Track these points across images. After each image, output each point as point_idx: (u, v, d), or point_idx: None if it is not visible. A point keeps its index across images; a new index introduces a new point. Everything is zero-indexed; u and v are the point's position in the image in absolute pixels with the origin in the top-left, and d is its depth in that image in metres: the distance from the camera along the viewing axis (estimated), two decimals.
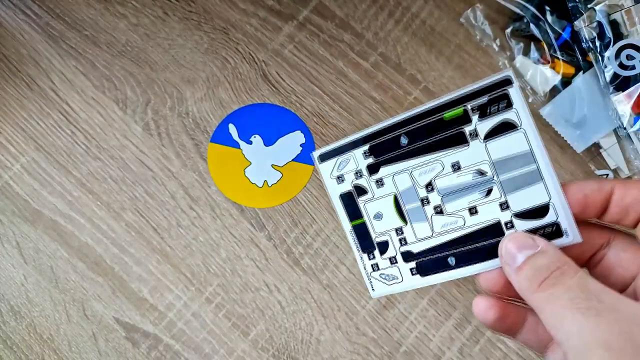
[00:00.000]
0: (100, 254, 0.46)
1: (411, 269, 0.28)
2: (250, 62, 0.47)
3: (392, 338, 0.44)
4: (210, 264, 0.45)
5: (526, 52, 0.46)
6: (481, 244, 0.26)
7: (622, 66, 0.42)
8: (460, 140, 0.26)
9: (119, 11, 0.48)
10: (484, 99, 0.25)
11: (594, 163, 0.45)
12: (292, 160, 0.46)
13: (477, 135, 0.26)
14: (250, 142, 0.46)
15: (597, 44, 0.43)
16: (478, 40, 0.47)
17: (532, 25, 0.45)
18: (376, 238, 0.29)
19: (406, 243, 0.28)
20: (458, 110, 0.26)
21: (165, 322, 0.45)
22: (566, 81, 0.45)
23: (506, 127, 0.25)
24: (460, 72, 0.47)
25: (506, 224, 0.26)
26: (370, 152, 0.28)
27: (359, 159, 0.29)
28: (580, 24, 0.44)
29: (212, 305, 0.45)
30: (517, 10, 0.46)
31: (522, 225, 0.25)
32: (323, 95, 0.47)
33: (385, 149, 0.28)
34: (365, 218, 0.29)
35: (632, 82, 0.42)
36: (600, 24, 0.43)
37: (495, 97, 0.25)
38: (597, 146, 0.45)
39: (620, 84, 0.43)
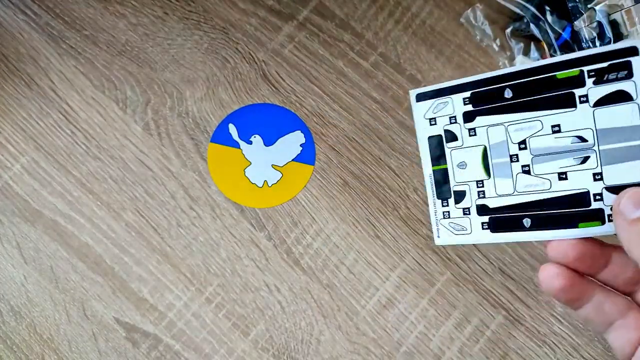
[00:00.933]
0: (100, 254, 0.46)
1: (483, 223, 0.27)
2: (250, 62, 0.47)
3: (392, 338, 0.44)
4: (210, 264, 0.45)
5: (526, 52, 0.46)
6: (563, 212, 0.25)
7: None
8: (568, 102, 0.25)
9: (118, 11, 0.48)
10: (603, 65, 0.24)
11: None
12: (292, 160, 0.46)
13: (587, 99, 0.25)
14: (250, 142, 0.46)
15: (597, 44, 0.43)
16: (478, 40, 0.47)
17: (532, 25, 0.45)
18: (454, 186, 0.28)
19: (484, 196, 0.27)
20: (574, 71, 0.25)
21: (165, 322, 0.45)
22: None
23: (620, 97, 0.24)
24: (460, 72, 0.47)
25: (595, 195, 0.24)
26: (471, 100, 0.27)
27: (457, 104, 0.28)
28: (580, 24, 0.44)
29: (212, 305, 0.45)
30: (517, 10, 0.46)
31: (612, 200, 0.24)
32: (323, 95, 0.47)
33: (487, 98, 0.27)
34: (449, 164, 0.28)
35: None
36: (600, 24, 0.43)
37: (616, 65, 0.24)
38: None
39: None
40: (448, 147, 0.28)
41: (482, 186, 0.27)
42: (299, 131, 0.46)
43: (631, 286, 0.26)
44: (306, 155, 0.46)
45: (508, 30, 0.46)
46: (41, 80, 0.48)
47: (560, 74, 0.25)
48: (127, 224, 0.46)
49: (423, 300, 0.44)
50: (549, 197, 0.26)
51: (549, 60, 0.25)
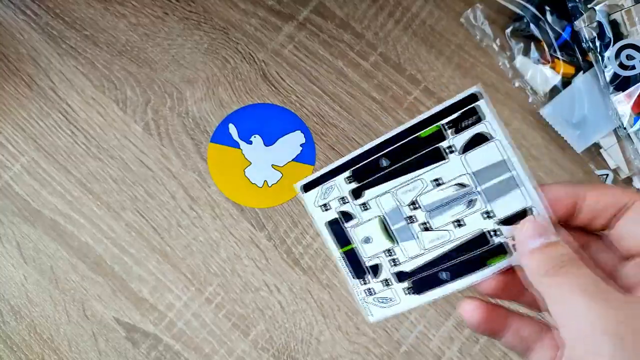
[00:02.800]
0: (100, 254, 0.46)
1: (404, 289, 0.28)
2: (250, 62, 0.47)
3: (392, 338, 0.44)
4: (210, 264, 0.45)
5: (526, 52, 0.46)
6: (471, 255, 0.27)
7: (622, 66, 0.42)
8: (438, 156, 0.27)
9: (118, 11, 0.48)
10: (456, 115, 0.26)
11: (594, 163, 0.45)
12: (292, 160, 0.46)
13: (454, 149, 0.26)
14: (250, 142, 0.46)
15: (597, 44, 0.43)
16: (478, 40, 0.47)
17: (532, 25, 0.45)
18: (367, 262, 0.29)
19: (398, 263, 0.28)
20: (433, 127, 0.26)
21: (165, 322, 0.45)
22: (566, 81, 0.45)
23: (481, 139, 0.26)
24: (460, 72, 0.47)
25: (491, 232, 0.26)
26: (353, 177, 0.28)
27: (342, 185, 0.29)
28: (580, 24, 0.44)
29: (212, 305, 0.45)
30: (517, 10, 0.46)
31: (507, 231, 0.26)
32: (323, 95, 0.47)
33: (367, 172, 0.28)
34: (355, 243, 0.29)
35: (632, 82, 0.42)
36: (600, 24, 0.43)
37: (466, 112, 0.26)
38: (597, 146, 0.45)
39: (620, 84, 0.43)
40: (347, 226, 0.29)
41: (393, 254, 0.28)
42: (299, 131, 0.46)
43: (528, 345, 0.27)
44: (306, 155, 0.46)
45: (508, 30, 0.46)
46: (41, 81, 0.48)
47: (423, 133, 0.27)
48: (127, 224, 0.46)
49: None
50: (454, 245, 0.27)
51: (409, 123, 0.27)
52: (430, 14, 0.48)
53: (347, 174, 0.29)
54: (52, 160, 0.47)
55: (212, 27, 0.48)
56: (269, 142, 0.46)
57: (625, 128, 0.43)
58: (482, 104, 0.26)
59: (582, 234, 0.26)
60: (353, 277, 0.29)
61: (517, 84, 0.46)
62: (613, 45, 0.43)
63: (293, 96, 0.47)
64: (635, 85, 0.42)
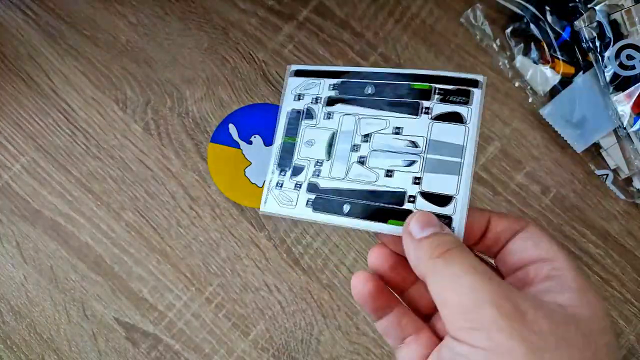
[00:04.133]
0: (100, 254, 0.46)
1: (308, 200, 0.29)
2: (250, 62, 0.47)
3: None
4: (210, 264, 0.45)
5: (526, 52, 0.46)
6: (378, 206, 0.27)
7: (622, 66, 0.42)
8: (414, 110, 0.28)
9: (118, 10, 0.48)
10: (451, 87, 0.28)
11: (594, 163, 0.45)
12: None
13: (429, 112, 0.28)
14: (250, 142, 0.46)
15: (597, 44, 0.43)
16: (478, 40, 0.47)
17: (532, 25, 0.45)
18: (296, 160, 0.30)
19: (318, 176, 0.29)
20: (426, 85, 0.28)
21: (165, 322, 0.45)
22: (566, 81, 0.45)
23: (455, 118, 0.27)
24: (460, 71, 0.47)
25: (410, 197, 0.27)
26: (337, 87, 0.30)
27: (324, 87, 0.30)
28: (580, 24, 0.44)
29: (212, 305, 0.45)
30: (517, 10, 0.46)
31: (422, 205, 0.27)
32: None
33: (351, 89, 0.30)
34: (299, 139, 0.30)
35: (632, 82, 0.42)
36: (600, 24, 0.43)
37: (460, 91, 0.27)
38: (597, 146, 0.45)
39: (620, 84, 0.43)
40: (303, 123, 0.31)
41: (320, 166, 0.29)
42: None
43: (431, 309, 0.28)
44: None
45: (508, 30, 0.46)
46: (41, 80, 0.48)
47: (415, 85, 0.28)
48: (127, 224, 0.46)
49: None
50: (373, 189, 0.28)
51: (410, 70, 0.29)
52: (430, 14, 0.48)
53: (334, 81, 0.30)
54: (51, 160, 0.47)
55: (212, 27, 0.48)
56: (269, 142, 0.46)
57: (625, 128, 0.43)
58: (477, 92, 0.27)
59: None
60: (276, 165, 0.31)
61: (517, 84, 0.46)
62: (613, 45, 0.43)
63: None
64: (635, 85, 0.42)
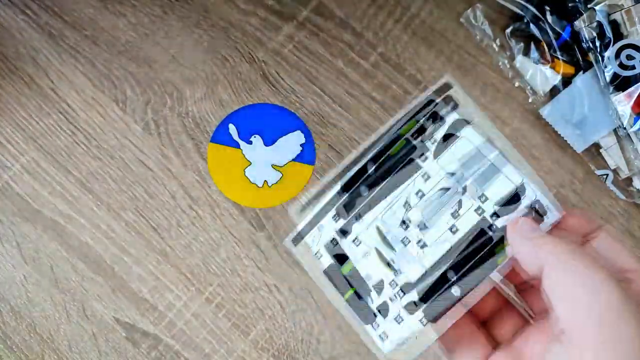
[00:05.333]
0: (100, 254, 0.46)
1: (421, 320, 0.25)
2: (250, 62, 0.47)
3: None
4: (210, 264, 0.45)
5: (526, 52, 0.46)
6: (474, 260, 0.24)
7: (622, 66, 0.42)
8: (414, 168, 0.26)
9: (118, 10, 0.48)
10: (419, 124, 0.26)
11: (594, 163, 0.45)
12: (292, 160, 0.46)
13: (426, 156, 0.26)
14: (250, 142, 0.46)
15: (597, 44, 0.43)
16: (478, 40, 0.47)
17: (532, 25, 0.45)
18: (373, 303, 0.26)
19: (404, 293, 0.25)
20: (401, 142, 0.26)
21: (165, 322, 0.45)
22: (566, 81, 0.45)
23: (448, 138, 0.25)
24: (460, 71, 0.47)
25: (489, 226, 0.24)
26: (338, 214, 0.27)
27: (328, 226, 0.27)
28: (580, 24, 0.44)
29: (212, 305, 0.45)
30: (517, 10, 0.46)
31: (504, 215, 0.24)
32: (323, 95, 0.47)
33: (350, 204, 0.27)
34: (355, 285, 0.26)
35: (632, 82, 0.42)
36: (600, 24, 0.43)
37: (430, 115, 0.26)
38: (597, 146, 0.45)
39: (620, 84, 0.43)
40: (344, 272, 0.26)
41: (396, 285, 0.25)
42: (299, 131, 0.46)
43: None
44: (306, 155, 0.46)
45: (508, 30, 0.46)
46: (41, 80, 0.48)
47: (393, 151, 0.26)
48: (127, 224, 0.46)
49: None
50: (456, 255, 0.25)
51: (381, 144, 0.26)
52: (430, 14, 0.48)
53: (332, 212, 0.27)
54: (52, 160, 0.47)
55: (212, 27, 0.48)
56: (269, 142, 0.46)
57: (625, 128, 0.43)
58: (456, 90, 0.26)
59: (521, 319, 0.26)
60: (364, 324, 0.26)
61: (517, 84, 0.46)
62: (613, 45, 0.43)
63: (293, 96, 0.47)
64: (635, 85, 0.42)
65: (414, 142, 0.26)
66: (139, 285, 0.45)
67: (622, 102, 0.42)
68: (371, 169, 0.26)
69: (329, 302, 0.44)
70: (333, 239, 0.27)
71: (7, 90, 0.48)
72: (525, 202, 0.24)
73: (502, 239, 0.24)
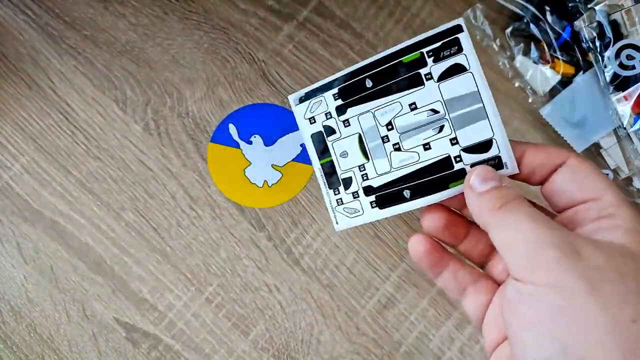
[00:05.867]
0: (100, 254, 0.46)
1: (371, 202, 0.30)
2: (250, 62, 0.47)
3: (392, 338, 0.44)
4: (210, 264, 0.45)
5: (526, 52, 0.46)
6: (433, 177, 0.29)
7: (622, 66, 0.42)
8: (417, 81, 0.29)
9: (118, 10, 0.48)
10: (438, 44, 0.28)
11: (594, 163, 0.45)
12: (292, 160, 0.46)
13: (431, 76, 0.28)
14: (250, 142, 0.46)
15: (597, 44, 0.43)
16: (478, 40, 0.47)
17: (532, 25, 0.45)
18: (341, 174, 0.31)
19: (367, 178, 0.30)
20: (415, 54, 0.28)
21: (165, 322, 0.45)
22: (566, 81, 0.45)
23: (457, 70, 0.28)
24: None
25: (455, 157, 0.28)
26: (339, 95, 0.31)
27: (329, 101, 0.31)
28: (580, 24, 0.44)
29: (212, 305, 0.45)
30: (517, 10, 0.46)
31: (469, 158, 0.28)
32: None
33: (352, 91, 0.30)
34: (333, 156, 0.31)
35: (632, 82, 0.42)
36: (600, 24, 0.43)
37: (448, 42, 0.28)
38: (597, 146, 0.45)
39: (620, 84, 0.43)
40: (329, 140, 0.31)
41: (364, 169, 0.30)
42: (299, 131, 0.46)
43: (484, 258, 0.30)
44: (306, 155, 0.46)
45: (508, 30, 0.46)
46: (41, 80, 0.48)
47: (406, 59, 0.29)
48: (127, 224, 0.46)
49: (423, 300, 0.44)
50: (420, 167, 0.29)
51: (395, 48, 0.29)
52: (430, 14, 0.48)
53: (334, 90, 0.31)
54: (52, 160, 0.47)
55: (212, 27, 0.48)
56: (269, 142, 0.46)
57: (625, 128, 0.43)
58: (463, 37, 0.27)
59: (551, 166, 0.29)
60: (327, 187, 0.32)
61: (517, 84, 0.46)
62: (613, 45, 0.43)
63: None
64: (635, 85, 0.42)
65: (427, 59, 0.28)
66: (139, 285, 0.45)
67: (622, 102, 0.42)
68: (369, 85, 0.30)
69: (329, 302, 0.44)
70: (328, 112, 0.31)
71: (7, 90, 0.48)
72: (490, 154, 0.28)
73: (462, 172, 0.28)
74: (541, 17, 0.45)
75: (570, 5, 0.44)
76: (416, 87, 0.29)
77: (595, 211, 0.25)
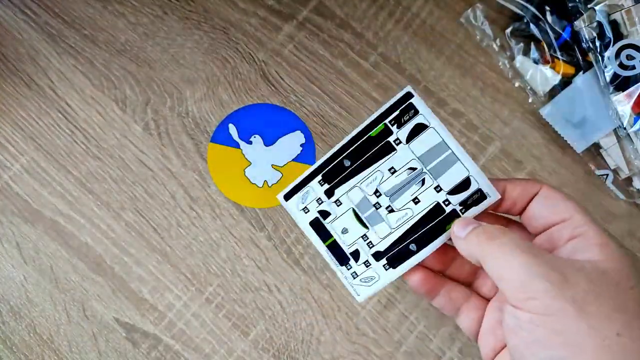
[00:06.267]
0: (100, 254, 0.46)
1: (384, 266, 0.33)
2: (250, 62, 0.47)
3: (392, 338, 0.44)
4: (210, 264, 0.45)
5: (526, 52, 0.46)
6: (431, 225, 0.32)
7: (622, 66, 0.42)
8: (389, 148, 0.32)
9: (117, 10, 0.48)
10: (396, 112, 0.32)
11: (594, 163, 0.45)
12: (292, 160, 0.46)
13: (400, 141, 0.32)
14: (250, 142, 0.46)
15: (597, 44, 0.43)
16: (478, 40, 0.47)
17: (532, 25, 0.45)
18: (348, 249, 0.34)
19: (373, 245, 0.33)
20: (380, 126, 0.32)
21: (165, 322, 0.45)
22: (566, 81, 0.45)
23: (420, 129, 0.32)
24: (460, 71, 0.47)
25: (444, 202, 0.32)
26: (324, 180, 0.33)
27: (316, 188, 0.34)
28: (580, 24, 0.44)
29: (212, 305, 0.45)
30: (517, 10, 0.46)
31: (455, 199, 0.31)
32: (323, 95, 0.47)
33: (334, 173, 0.33)
34: (335, 235, 0.34)
35: (632, 82, 0.42)
36: (600, 24, 0.43)
37: (404, 109, 0.32)
38: (597, 146, 0.45)
39: (620, 84, 0.43)
40: (326, 223, 0.34)
41: (367, 238, 0.33)
42: (299, 131, 0.46)
43: (470, 277, 0.34)
44: (306, 155, 0.46)
45: (508, 30, 0.46)
46: (40, 80, 0.48)
47: (373, 133, 0.32)
48: (127, 224, 0.46)
49: (423, 300, 0.44)
50: (417, 220, 0.32)
51: (360, 127, 0.33)
52: (430, 14, 0.48)
53: (319, 178, 0.34)
54: (51, 160, 0.47)
55: (212, 27, 0.48)
56: (269, 142, 0.46)
57: (625, 128, 0.43)
58: (415, 101, 0.32)
59: (504, 220, 0.33)
60: (339, 265, 0.34)
61: (517, 84, 0.46)
62: (613, 45, 0.43)
63: (293, 96, 0.47)
64: (635, 85, 0.42)
65: (391, 128, 0.32)
66: (139, 285, 0.45)
67: (622, 102, 0.43)
68: (347, 164, 0.33)
69: (329, 302, 0.44)
70: (319, 198, 0.34)
71: (7, 90, 0.48)
72: (471, 189, 0.31)
73: (454, 213, 0.32)
74: (541, 17, 0.45)
75: (570, 5, 0.44)
76: (390, 153, 0.32)
77: (568, 231, 0.28)
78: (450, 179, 0.31)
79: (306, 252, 0.45)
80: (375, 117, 0.32)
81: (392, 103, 0.32)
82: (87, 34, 0.48)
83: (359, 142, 0.33)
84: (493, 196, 0.31)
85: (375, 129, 0.32)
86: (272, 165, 0.46)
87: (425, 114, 0.32)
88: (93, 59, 0.48)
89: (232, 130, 0.46)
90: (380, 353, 0.44)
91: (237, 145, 0.46)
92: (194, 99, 0.47)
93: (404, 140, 0.32)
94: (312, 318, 0.44)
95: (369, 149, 0.33)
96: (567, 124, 0.44)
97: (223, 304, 0.45)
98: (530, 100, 0.46)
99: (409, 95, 0.32)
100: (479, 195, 0.31)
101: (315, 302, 0.45)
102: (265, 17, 0.48)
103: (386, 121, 0.32)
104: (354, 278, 0.34)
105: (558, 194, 0.30)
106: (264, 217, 0.46)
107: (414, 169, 0.32)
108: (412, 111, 0.32)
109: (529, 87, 0.46)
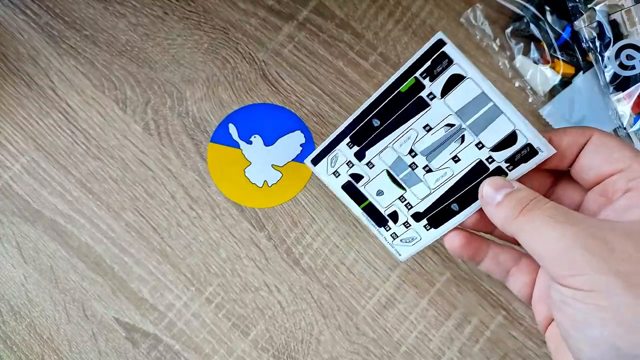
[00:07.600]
0: (100, 254, 0.46)
1: (425, 226, 0.31)
2: (250, 62, 0.47)
3: (392, 338, 0.44)
4: (210, 264, 0.45)
5: (526, 52, 0.46)
6: (474, 184, 0.29)
7: (622, 66, 0.42)
8: (422, 104, 0.29)
9: (118, 11, 0.48)
10: (427, 64, 0.28)
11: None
12: (292, 160, 0.46)
13: (434, 95, 0.29)
14: (250, 142, 0.46)
15: (597, 44, 0.43)
16: (478, 40, 0.47)
17: (532, 25, 0.45)
18: (385, 211, 0.32)
19: (412, 206, 0.31)
20: (410, 81, 0.29)
21: (165, 322, 0.45)
22: (566, 81, 0.45)
23: (456, 80, 0.28)
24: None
25: (487, 159, 0.29)
26: (353, 142, 0.32)
27: (345, 151, 0.32)
28: (580, 24, 0.44)
29: (212, 305, 0.45)
30: (517, 10, 0.46)
31: (500, 156, 0.28)
32: (323, 95, 0.47)
33: (363, 134, 0.31)
34: (370, 198, 0.32)
35: (632, 82, 0.42)
36: (600, 24, 0.43)
37: (436, 59, 0.28)
38: None
39: (620, 84, 0.43)
40: (360, 185, 0.32)
41: (405, 199, 0.31)
42: (299, 131, 0.46)
43: None
44: (306, 156, 0.46)
45: (508, 30, 0.46)
46: (41, 80, 0.48)
47: (403, 88, 0.29)
48: (127, 224, 0.46)
49: (423, 300, 0.44)
50: (458, 179, 0.30)
51: (389, 82, 0.29)
52: (430, 14, 0.48)
53: (347, 140, 0.32)
54: (52, 160, 0.47)
55: (212, 27, 0.48)
56: (269, 142, 0.46)
57: (625, 128, 0.43)
58: (448, 49, 0.28)
59: (550, 174, 0.30)
60: (377, 227, 0.33)
61: (517, 84, 0.46)
62: (613, 45, 0.43)
63: (293, 96, 0.47)
64: (635, 85, 0.42)
65: (423, 81, 0.29)
66: (139, 285, 0.45)
67: (622, 102, 0.42)
68: (377, 124, 0.31)
69: (329, 302, 0.44)
70: (349, 161, 0.32)
71: (7, 90, 0.48)
72: (519, 144, 0.28)
73: (499, 170, 0.29)
74: (541, 17, 0.45)
75: (570, 5, 0.44)
76: (423, 109, 0.29)
77: (623, 182, 0.25)
78: (493, 135, 0.28)
79: (306, 252, 0.45)
80: (404, 70, 0.29)
81: (422, 53, 0.28)
82: (87, 34, 0.48)
83: (387, 100, 0.30)
84: (546, 151, 0.27)
85: (405, 83, 0.29)
86: (272, 165, 0.46)
87: (461, 63, 0.28)
88: (94, 60, 0.48)
89: (232, 130, 0.46)
90: (380, 353, 0.44)
91: (237, 145, 0.46)
92: (194, 99, 0.47)
93: (438, 94, 0.29)
94: (312, 318, 0.44)
95: (400, 106, 0.30)
96: (567, 124, 0.44)
97: (223, 304, 0.45)
98: (530, 100, 0.46)
99: (440, 44, 0.28)
100: (529, 151, 0.27)
101: (315, 302, 0.45)
102: (265, 18, 0.48)
103: (417, 74, 0.29)
104: (394, 239, 0.32)
105: (613, 140, 0.26)
106: (264, 217, 0.46)
107: (451, 125, 0.29)
108: (446, 61, 0.28)
109: (529, 87, 0.46)
